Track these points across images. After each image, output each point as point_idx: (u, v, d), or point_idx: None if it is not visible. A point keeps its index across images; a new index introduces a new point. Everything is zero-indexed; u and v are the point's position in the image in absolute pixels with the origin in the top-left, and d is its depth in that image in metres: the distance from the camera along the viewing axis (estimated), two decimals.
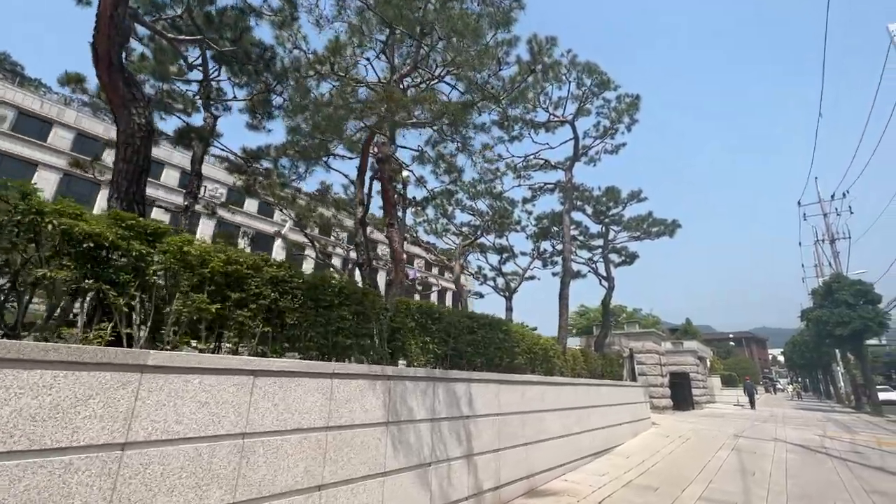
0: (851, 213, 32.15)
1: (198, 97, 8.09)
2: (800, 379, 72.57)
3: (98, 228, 3.05)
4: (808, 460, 9.67)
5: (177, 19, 6.44)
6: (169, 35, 6.05)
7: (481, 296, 26.19)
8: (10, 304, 2.83)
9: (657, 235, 17.26)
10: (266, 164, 9.60)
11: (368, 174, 7.96)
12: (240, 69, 7.37)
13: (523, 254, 21.25)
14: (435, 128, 7.48)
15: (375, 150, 7.77)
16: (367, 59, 7.78)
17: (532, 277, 21.52)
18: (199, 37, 6.34)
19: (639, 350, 20.74)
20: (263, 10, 6.76)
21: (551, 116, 13.60)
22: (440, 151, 11.00)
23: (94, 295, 3.07)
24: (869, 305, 26.19)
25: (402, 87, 7.36)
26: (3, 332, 2.70)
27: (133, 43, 7.96)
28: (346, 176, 11.11)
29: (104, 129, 27.70)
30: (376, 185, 8.39)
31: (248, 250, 5.10)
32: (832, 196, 33.31)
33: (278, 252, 31.94)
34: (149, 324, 3.24)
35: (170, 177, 32.32)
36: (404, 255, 7.97)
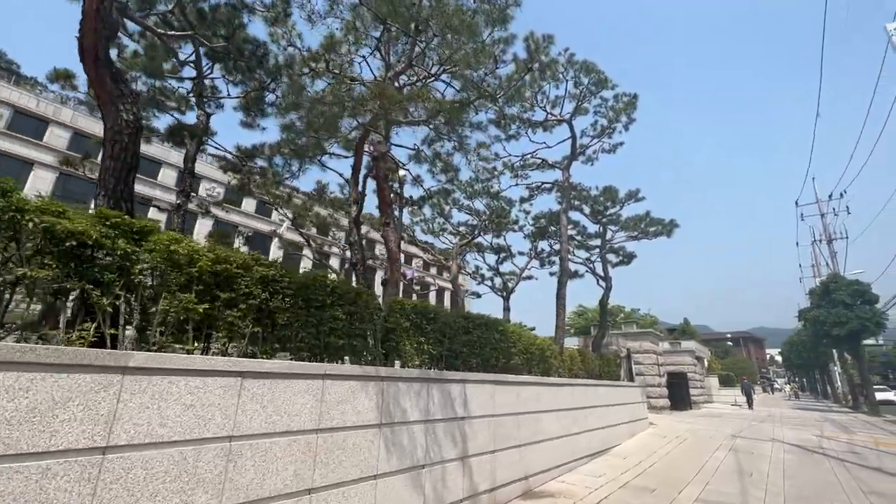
0: (849, 213, 32.24)
1: (191, 94, 8.00)
2: (797, 379, 72.75)
3: (81, 226, 2.98)
4: (805, 461, 9.64)
5: (168, 15, 6.37)
6: (159, 31, 5.96)
7: (479, 296, 26.14)
8: None
9: (655, 235, 17.24)
10: (261, 162, 9.52)
11: (363, 172, 7.89)
12: (233, 66, 7.29)
13: (521, 253, 21.24)
14: (431, 126, 7.42)
15: (371, 148, 7.71)
16: (363, 57, 7.72)
17: (529, 277, 21.51)
18: (189, 32, 6.26)
19: (636, 350, 20.71)
20: (256, 6, 6.68)
21: (548, 115, 13.55)
22: (436, 150, 10.94)
23: (78, 295, 3.01)
24: (866, 305, 26.24)
25: (397, 85, 7.29)
26: None
27: (126, 40, 7.89)
28: (340, 175, 11.06)
29: (101, 128, 27.52)
30: (372, 185, 8.34)
31: (244, 249, 5.03)
32: (829, 196, 33.41)
33: (276, 252, 31.81)
34: (134, 324, 3.17)
35: (167, 176, 32.15)
36: (401, 255, 7.91)
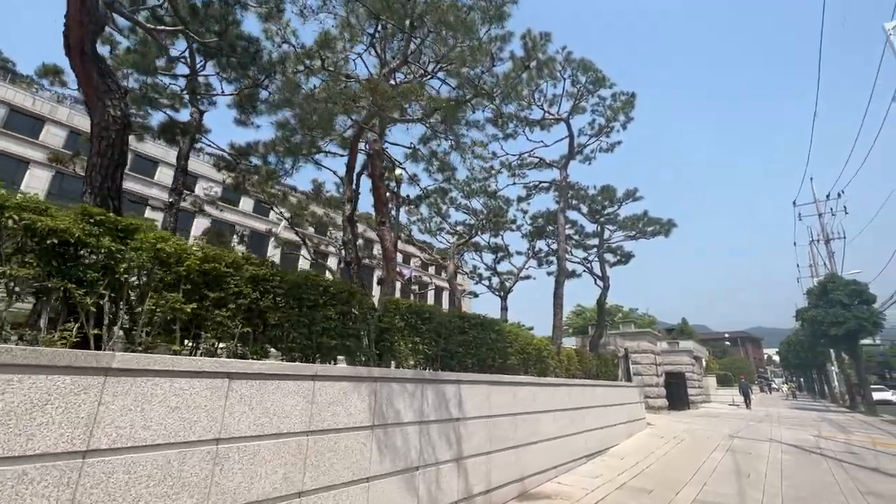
0: (846, 213, 32.30)
1: (184, 92, 7.91)
2: (795, 378, 72.92)
3: (63, 224, 2.90)
4: (803, 461, 9.61)
5: (158, 10, 6.27)
6: (149, 26, 5.87)
7: (476, 295, 26.09)
8: None
9: (653, 235, 17.21)
10: (255, 160, 9.43)
11: (358, 170, 7.81)
12: (227, 63, 7.20)
13: (518, 253, 21.21)
14: (427, 124, 7.35)
15: (367, 146, 7.63)
16: (358, 54, 7.63)
17: (527, 277, 21.47)
18: (179, 27, 6.17)
19: (634, 350, 20.68)
20: (249, 2, 6.59)
21: (546, 114, 13.49)
22: (433, 149, 10.86)
23: (61, 294, 2.93)
24: (863, 305, 26.29)
25: (393, 82, 7.21)
26: None
27: (118, 37, 7.79)
28: (335, 173, 10.96)
29: None
30: (368, 183, 8.25)
31: (240, 249, 4.96)
32: (827, 196, 33.47)
33: (273, 251, 31.69)
34: (118, 324, 3.09)
35: (164, 175, 31.96)
36: (397, 254, 7.84)
